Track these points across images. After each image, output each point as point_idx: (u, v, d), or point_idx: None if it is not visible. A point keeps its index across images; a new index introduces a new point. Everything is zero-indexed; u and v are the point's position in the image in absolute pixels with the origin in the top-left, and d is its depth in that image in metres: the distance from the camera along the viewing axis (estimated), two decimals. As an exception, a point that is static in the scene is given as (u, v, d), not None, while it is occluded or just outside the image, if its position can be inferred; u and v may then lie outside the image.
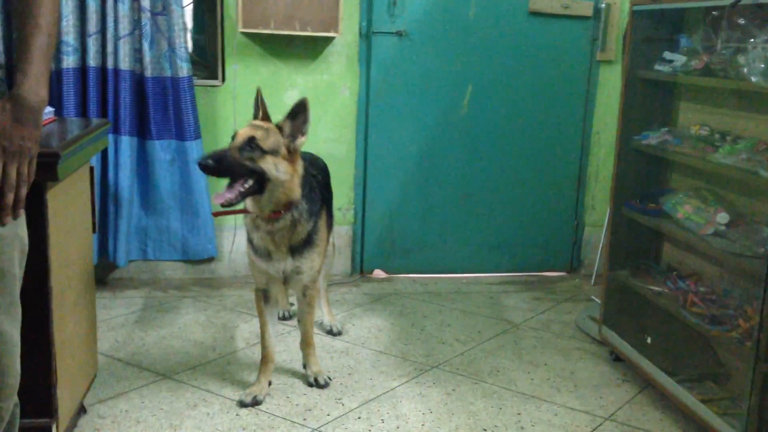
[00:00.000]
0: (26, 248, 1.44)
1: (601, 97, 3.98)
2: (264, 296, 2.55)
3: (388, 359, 2.89)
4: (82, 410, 2.30)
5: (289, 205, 2.31)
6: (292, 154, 2.29)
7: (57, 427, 1.91)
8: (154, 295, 3.49)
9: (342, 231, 3.86)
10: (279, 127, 2.29)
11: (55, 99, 3.20)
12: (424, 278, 3.93)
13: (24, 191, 1.35)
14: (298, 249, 2.42)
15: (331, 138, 3.77)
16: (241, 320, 3.23)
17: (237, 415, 2.40)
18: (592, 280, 3.95)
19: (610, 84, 3.92)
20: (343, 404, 2.51)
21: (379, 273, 3.94)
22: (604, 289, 3.06)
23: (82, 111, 3.28)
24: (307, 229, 2.40)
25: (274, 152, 2.23)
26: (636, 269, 2.95)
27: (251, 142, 2.20)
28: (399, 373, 2.77)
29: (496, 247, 4.04)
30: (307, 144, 3.71)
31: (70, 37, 3.18)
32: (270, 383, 2.57)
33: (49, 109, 2.18)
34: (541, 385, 2.72)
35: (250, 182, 2.20)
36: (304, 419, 2.40)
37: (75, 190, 2.09)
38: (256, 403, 2.46)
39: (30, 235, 1.50)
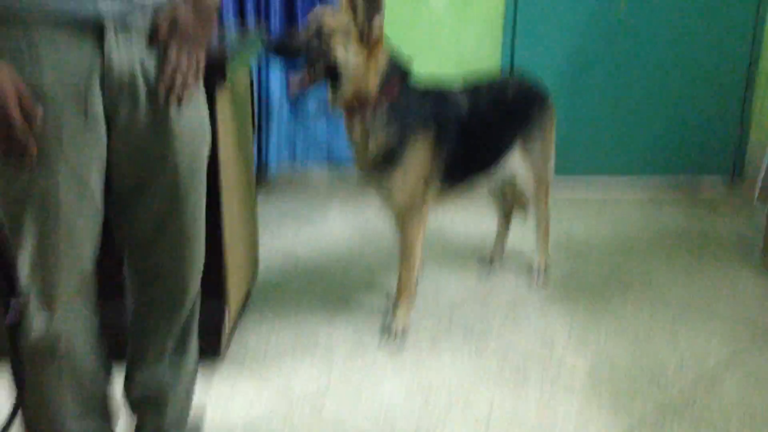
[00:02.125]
0: (210, 140, 1.56)
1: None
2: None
3: (530, 270, 2.86)
4: (249, 296, 2.49)
5: (365, 104, 2.14)
6: (367, 37, 2.09)
7: (229, 310, 2.08)
8: (303, 197, 3.64)
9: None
10: (354, 7, 2.08)
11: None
12: (573, 179, 3.79)
13: (191, 78, 1.44)
14: (379, 162, 2.20)
15: (476, 41, 3.67)
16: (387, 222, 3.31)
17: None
18: (756, 190, 3.67)
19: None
20: (488, 304, 2.55)
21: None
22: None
23: (240, 16, 3.39)
24: (384, 138, 2.16)
25: (343, 32, 2.07)
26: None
27: (319, 22, 2.08)
28: (545, 278, 2.75)
29: (650, 148, 3.83)
30: (450, 47, 3.69)
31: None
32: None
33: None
34: (696, 295, 2.62)
35: (321, 65, 2.09)
36: (451, 316, 2.47)
37: (238, 92, 2.18)
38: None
39: None
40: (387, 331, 2.34)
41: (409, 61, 2.25)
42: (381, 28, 2.11)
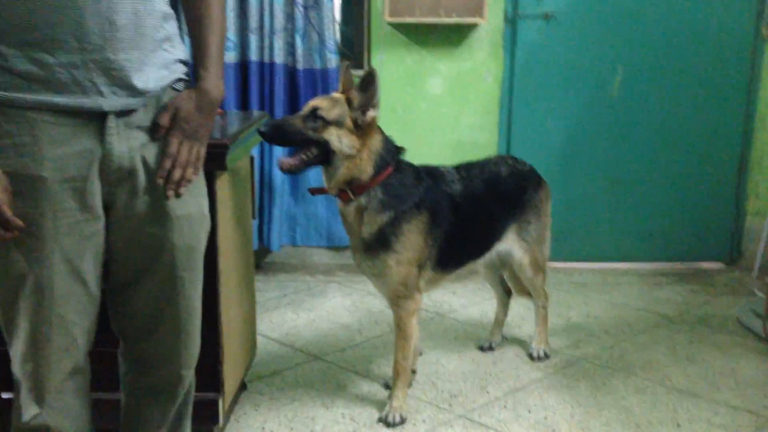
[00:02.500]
0: (209, 227, 1.58)
1: (767, 78, 3.69)
2: None
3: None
4: (243, 386, 2.45)
5: (361, 189, 2.16)
6: (361, 128, 2.13)
7: (223, 402, 2.05)
8: (303, 279, 3.64)
9: (485, 218, 3.84)
10: (348, 100, 2.14)
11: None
12: (568, 267, 3.83)
13: (191, 172, 1.47)
14: (371, 246, 2.20)
15: (473, 125, 3.75)
16: (385, 305, 3.28)
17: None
18: (754, 273, 3.69)
19: (778, 62, 3.63)
20: (488, 392, 2.51)
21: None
22: (769, 282, 2.85)
23: (243, 105, 3.47)
24: (377, 224, 2.17)
25: (338, 123, 2.11)
26: (808, 262, 2.73)
27: (315, 111, 2.11)
28: (544, 364, 2.73)
29: (647, 236, 3.87)
30: (450, 132, 3.77)
31: (230, 33, 3.37)
32: (414, 371, 2.52)
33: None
34: (698, 382, 2.59)
35: (314, 150, 2.12)
36: (450, 405, 2.42)
37: (239, 179, 2.22)
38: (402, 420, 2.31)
39: None
40: (384, 420, 2.30)
41: (400, 147, 2.29)
42: (375, 119, 2.16)
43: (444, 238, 2.30)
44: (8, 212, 1.28)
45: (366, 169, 2.15)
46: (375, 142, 2.18)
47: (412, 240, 2.22)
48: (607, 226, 3.86)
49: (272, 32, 3.37)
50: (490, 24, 3.62)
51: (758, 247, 3.69)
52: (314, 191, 2.39)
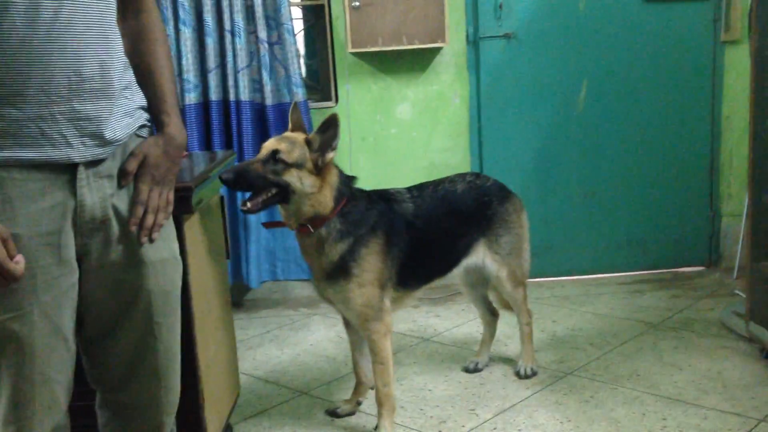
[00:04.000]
0: (182, 270, 1.57)
1: (728, 80, 3.75)
2: (343, 318, 2.46)
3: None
4: (228, 429, 2.41)
5: (321, 222, 2.19)
6: (320, 168, 2.17)
7: (207, 445, 2.01)
8: (285, 314, 3.61)
9: (463, 239, 3.84)
10: (308, 141, 2.18)
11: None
12: (550, 282, 3.83)
13: (162, 216, 1.47)
14: (332, 274, 2.24)
15: (444, 147, 3.77)
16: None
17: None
18: (734, 274, 3.71)
19: (738, 65, 3.69)
20: (477, 415, 2.49)
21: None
22: (748, 282, 2.86)
23: (206, 144, 3.47)
24: (337, 253, 2.21)
25: (298, 165, 2.14)
26: (783, 259, 2.74)
27: (275, 155, 2.12)
28: (532, 382, 2.71)
29: (625, 245, 3.89)
30: (422, 155, 3.79)
31: (190, 74, 3.37)
32: (359, 403, 2.53)
33: (179, 146, 2.32)
34: (686, 388, 2.58)
35: (274, 191, 2.14)
36: (440, 431, 2.40)
37: (208, 219, 2.20)
38: (337, 414, 2.50)
39: None
40: (375, 451, 2.27)
41: (352, 176, 2.33)
42: (331, 159, 2.20)
43: (402, 257, 2.34)
44: (10, 264, 1.26)
45: (326, 204, 2.19)
46: (332, 177, 2.22)
47: (371, 262, 2.26)
48: (585, 238, 3.88)
49: (236, 70, 3.38)
50: (452, 47, 3.66)
51: (737, 248, 3.72)
52: (269, 225, 2.44)
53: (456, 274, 2.63)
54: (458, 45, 3.67)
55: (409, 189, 2.49)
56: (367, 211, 2.28)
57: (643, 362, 2.82)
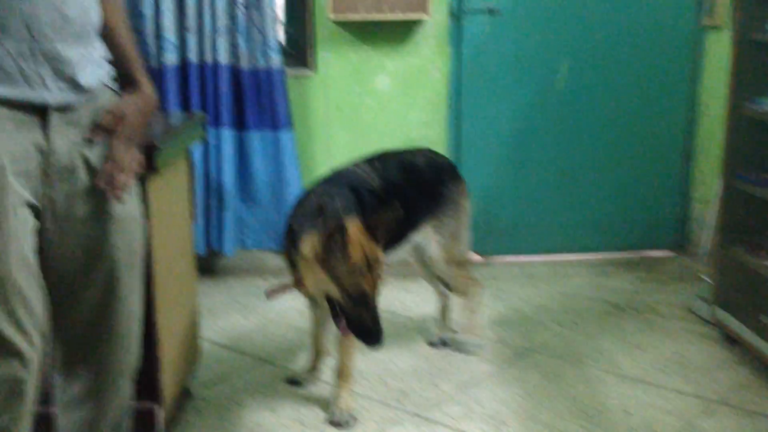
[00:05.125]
0: (145, 229, 1.57)
1: (709, 66, 3.74)
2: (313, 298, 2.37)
3: (485, 343, 2.84)
4: (186, 394, 2.39)
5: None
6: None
7: (162, 410, 1.99)
8: (253, 283, 3.58)
9: (436, 215, 3.83)
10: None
11: (158, 94, 3.33)
12: (520, 260, 3.84)
13: (131, 177, 1.45)
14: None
15: (422, 121, 3.74)
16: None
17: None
18: (702, 259, 3.73)
19: (718, 50, 3.67)
20: (439, 388, 2.49)
21: (474, 256, 3.88)
22: (715, 267, 2.89)
23: (184, 105, 3.40)
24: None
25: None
26: (751, 245, 2.76)
27: None
28: (496, 357, 2.72)
29: (596, 227, 3.89)
30: (399, 129, 3.75)
31: (170, 34, 3.29)
32: (315, 369, 2.54)
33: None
34: (647, 369, 2.60)
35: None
36: (401, 402, 2.40)
37: (174, 180, 2.16)
38: (296, 381, 2.50)
39: None
40: (334, 421, 2.26)
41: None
42: None
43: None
44: None
45: None
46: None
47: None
48: (557, 218, 3.88)
49: (215, 32, 3.31)
50: (434, 20, 3.60)
51: (705, 234, 3.74)
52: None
53: (406, 250, 2.60)
54: (440, 17, 3.62)
55: (371, 161, 2.43)
56: (341, 193, 2.21)
57: (606, 342, 2.83)
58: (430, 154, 2.62)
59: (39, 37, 1.28)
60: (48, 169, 1.34)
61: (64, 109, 1.35)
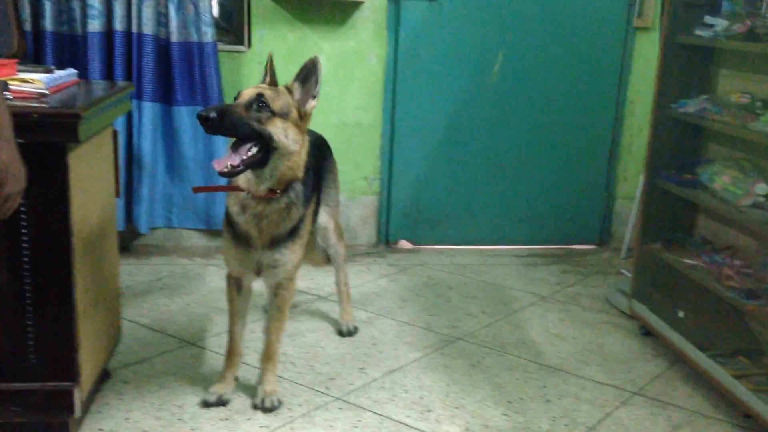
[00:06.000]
0: None
1: (636, 66, 3.85)
2: (237, 285, 2.26)
3: (413, 330, 2.86)
4: (105, 375, 2.31)
5: (287, 186, 2.02)
6: (302, 120, 2.00)
7: (80, 391, 1.91)
8: (179, 263, 3.49)
9: (368, 201, 3.82)
10: (289, 90, 1.99)
11: (81, 62, 3.18)
12: (450, 249, 3.87)
13: None
14: (280, 239, 2.09)
15: (357, 106, 3.71)
16: (263, 289, 3.20)
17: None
18: (623, 254, 3.86)
19: (647, 52, 3.79)
20: (366, 374, 2.49)
21: (404, 244, 3.89)
22: (635, 262, 2.99)
23: (108, 75, 3.26)
24: (299, 216, 2.09)
25: (284, 115, 1.93)
26: (669, 242, 2.87)
27: (259, 99, 1.89)
28: (423, 344, 2.74)
29: (524, 219, 3.97)
30: (334, 112, 3.72)
31: (95, 0, 3.15)
32: (237, 379, 2.32)
33: (71, 71, 2.16)
34: (567, 359, 2.67)
35: (254, 150, 1.91)
36: (327, 387, 2.38)
37: (98, 153, 2.07)
38: (221, 403, 2.21)
39: (52, 197, 1.66)
40: (261, 406, 2.22)
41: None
42: (312, 110, 2.04)
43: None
44: None
45: (301, 165, 2.02)
46: (307, 137, 2.06)
47: (310, 223, 2.22)
48: (487, 208, 3.93)
49: (141, 1, 3.18)
50: (373, 3, 3.58)
51: (626, 229, 3.87)
52: (199, 190, 2.31)
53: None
54: (379, 1, 3.59)
55: None
56: (309, 170, 2.13)
57: (530, 332, 2.90)
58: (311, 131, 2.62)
59: None
60: None
61: None
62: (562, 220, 4.01)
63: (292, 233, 2.11)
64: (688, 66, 2.82)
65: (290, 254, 2.13)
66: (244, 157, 1.89)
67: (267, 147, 1.92)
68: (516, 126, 3.85)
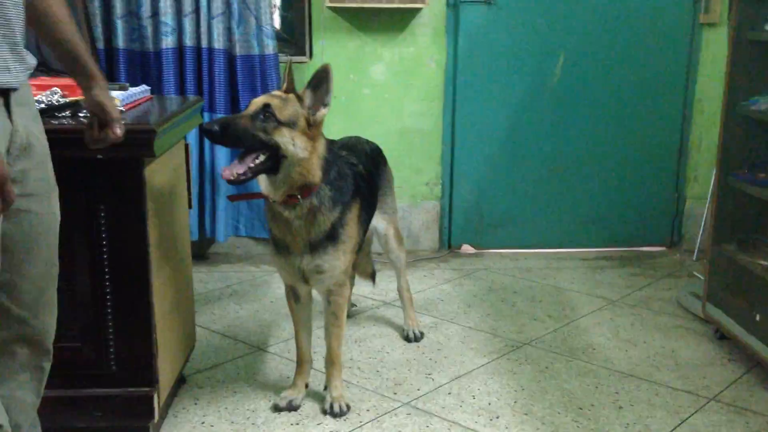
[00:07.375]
0: (59, 219, 1.56)
1: (704, 62, 3.75)
2: (293, 294, 2.29)
3: (478, 335, 2.85)
4: (181, 380, 2.38)
5: (309, 190, 2.03)
6: (312, 128, 2.00)
7: (158, 396, 1.98)
8: (247, 270, 3.57)
9: (429, 206, 3.83)
10: (299, 97, 2.01)
11: (155, 78, 3.29)
12: (513, 253, 3.84)
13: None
14: (319, 244, 2.10)
15: (417, 112, 3.73)
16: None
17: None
18: (694, 256, 3.76)
19: (714, 48, 3.69)
20: (433, 379, 2.49)
21: (467, 248, 3.88)
22: (708, 264, 2.90)
23: (180, 89, 3.37)
24: (330, 221, 2.09)
25: (291, 124, 1.95)
26: (743, 243, 2.78)
27: (266, 109, 1.92)
28: (489, 350, 2.72)
29: (589, 221, 3.91)
30: (395, 119, 3.74)
31: (168, 17, 3.25)
32: (307, 385, 2.35)
33: (144, 88, 2.24)
34: (639, 364, 2.62)
35: (262, 158, 1.93)
36: (395, 393, 2.40)
37: (171, 166, 2.14)
38: (292, 408, 2.26)
39: (129, 209, 1.77)
40: (330, 411, 2.26)
41: (331, 139, 2.24)
42: (323, 118, 2.05)
43: (365, 219, 2.35)
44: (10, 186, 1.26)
45: (316, 172, 2.02)
46: (321, 141, 2.06)
47: (354, 228, 2.21)
48: (551, 212, 3.88)
49: (210, 16, 3.27)
50: (432, 9, 3.59)
51: (698, 230, 3.77)
52: (235, 198, 2.37)
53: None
54: (438, 7, 3.61)
55: (340, 148, 2.37)
56: (348, 175, 2.17)
57: (599, 336, 2.85)
58: (365, 140, 2.67)
59: (3, 21, 1.30)
60: (12, 150, 1.37)
61: (18, 93, 1.39)
62: (630, 221, 3.92)
63: (331, 238, 2.12)
64: (758, 62, 2.72)
65: (332, 260, 2.14)
66: (251, 165, 1.94)
67: (275, 155, 1.96)
68: (579, 127, 3.80)
